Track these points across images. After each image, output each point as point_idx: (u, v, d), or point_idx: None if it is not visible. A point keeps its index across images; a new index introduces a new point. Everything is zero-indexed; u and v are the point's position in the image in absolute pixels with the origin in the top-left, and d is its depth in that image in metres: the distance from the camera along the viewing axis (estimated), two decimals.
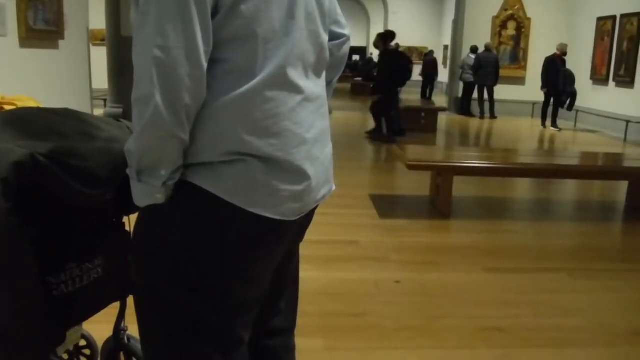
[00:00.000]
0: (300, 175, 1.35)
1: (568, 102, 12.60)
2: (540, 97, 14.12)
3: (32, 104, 1.95)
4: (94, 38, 10.17)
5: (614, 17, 13.02)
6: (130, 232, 1.83)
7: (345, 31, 1.62)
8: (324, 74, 1.50)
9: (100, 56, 8.30)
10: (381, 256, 4.07)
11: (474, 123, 13.93)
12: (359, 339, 2.87)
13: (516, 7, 15.68)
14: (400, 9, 26.30)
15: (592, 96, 12.90)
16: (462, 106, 15.31)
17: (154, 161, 1.24)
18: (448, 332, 2.98)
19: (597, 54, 13.77)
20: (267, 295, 1.51)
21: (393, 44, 10.41)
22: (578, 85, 12.64)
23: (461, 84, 15.46)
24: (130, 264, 1.81)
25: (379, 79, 9.85)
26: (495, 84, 14.56)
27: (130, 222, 1.83)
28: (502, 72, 14.80)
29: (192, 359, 1.41)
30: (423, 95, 18.99)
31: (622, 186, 6.20)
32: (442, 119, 12.88)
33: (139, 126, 1.21)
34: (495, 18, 15.68)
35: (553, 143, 11.02)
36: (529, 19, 15.70)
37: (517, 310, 3.29)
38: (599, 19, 13.72)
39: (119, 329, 1.99)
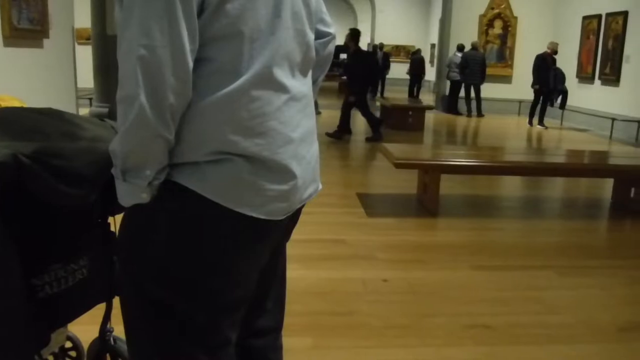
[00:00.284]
0: (286, 174, 1.34)
1: (560, 100, 12.68)
2: (527, 95, 14.22)
3: (16, 103, 1.94)
4: (79, 37, 10.09)
5: (599, 16, 13.12)
6: (115, 232, 1.82)
7: (331, 30, 1.61)
8: (310, 73, 1.50)
9: (85, 55, 8.24)
10: (368, 255, 4.08)
11: (461, 121, 13.97)
12: (347, 338, 2.86)
13: (503, 5, 15.75)
14: (388, 8, 26.32)
15: (578, 94, 12.98)
16: (449, 105, 15.36)
17: (139, 161, 1.23)
18: (435, 329, 2.99)
19: (582, 52, 13.88)
20: (254, 295, 1.50)
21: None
22: None
23: (448, 83, 15.50)
24: (115, 264, 1.81)
25: (354, 79, 9.72)
26: (482, 82, 14.62)
27: (115, 222, 1.82)
28: (489, 71, 14.87)
29: (179, 359, 1.40)
30: (410, 93, 19.01)
31: (608, 183, 6.25)
32: (430, 117, 12.92)
33: (123, 126, 1.20)
34: (482, 17, 15.75)
35: (540, 141, 11.08)
36: (515, 18, 15.78)
37: (504, 307, 3.30)
38: (585, 18, 13.82)
39: (104, 330, 1.97)
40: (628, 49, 12.01)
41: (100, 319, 1.96)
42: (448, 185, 5.76)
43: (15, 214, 1.43)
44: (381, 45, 20.95)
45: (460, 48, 15.03)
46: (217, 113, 1.24)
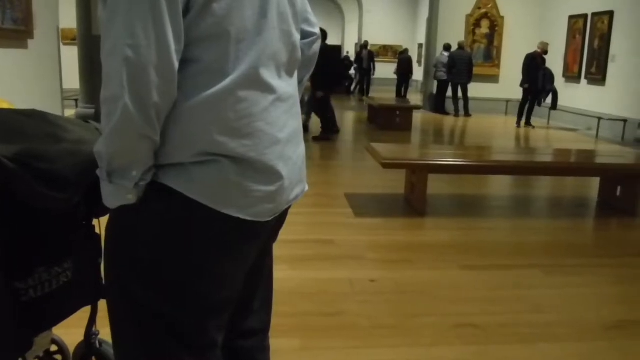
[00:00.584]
0: (273, 175, 1.34)
1: (550, 100, 12.74)
2: (514, 94, 14.29)
3: (4, 105, 1.91)
4: (65, 37, 10.05)
5: (585, 16, 13.19)
6: (100, 234, 1.80)
7: (316, 30, 1.61)
8: (295, 74, 1.50)
9: (71, 56, 8.21)
10: (356, 255, 4.07)
11: (448, 121, 14.01)
12: (335, 339, 2.86)
13: (490, 5, 15.81)
14: (375, 8, 26.37)
15: (564, 94, 13.05)
16: (437, 104, 15.40)
17: (125, 162, 1.22)
18: (423, 329, 2.99)
19: (569, 51, 13.95)
20: (240, 296, 1.49)
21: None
22: None
23: (436, 82, 15.54)
24: (100, 267, 1.80)
25: (322, 77, 9.54)
26: (469, 82, 14.67)
27: (100, 224, 1.80)
28: (476, 70, 14.92)
29: None
30: (398, 93, 19.06)
31: (594, 182, 6.28)
32: (417, 117, 12.94)
33: (108, 127, 1.18)
34: (469, 16, 15.80)
35: (527, 140, 11.13)
36: (502, 17, 15.84)
37: (492, 306, 3.31)
38: (571, 17, 13.90)
39: (90, 333, 1.96)
40: (614, 49, 12.08)
41: (85, 322, 1.95)
42: (436, 185, 5.77)
43: None
44: (366, 44, 20.91)
45: (447, 48, 15.07)
46: (203, 114, 1.23)
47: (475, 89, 14.96)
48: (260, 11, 1.29)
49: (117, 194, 1.25)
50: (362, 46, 20.68)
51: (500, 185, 6.76)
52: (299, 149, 1.47)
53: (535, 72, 12.60)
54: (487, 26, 15.89)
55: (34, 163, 1.43)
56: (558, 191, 6.66)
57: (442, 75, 15.02)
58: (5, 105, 1.90)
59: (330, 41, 10.23)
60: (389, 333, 2.94)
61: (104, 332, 1.91)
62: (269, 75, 1.32)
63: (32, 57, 4.91)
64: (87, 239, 1.78)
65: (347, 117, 14.26)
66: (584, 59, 13.26)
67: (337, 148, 9.12)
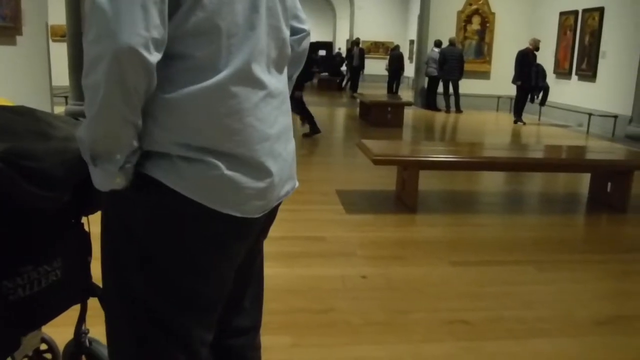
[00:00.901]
0: (262, 171, 1.34)
1: (541, 96, 12.77)
2: (505, 91, 14.34)
3: (1, 102, 1.89)
4: (54, 34, 10.00)
5: (576, 12, 13.23)
6: (89, 232, 1.80)
7: (305, 26, 1.61)
8: (285, 70, 1.50)
9: (61, 52, 8.15)
10: (347, 251, 4.07)
11: (439, 117, 14.03)
12: (326, 335, 2.86)
13: (481, 1, 15.83)
14: (366, 4, 26.36)
15: (555, 90, 13.09)
16: (428, 100, 15.42)
17: (108, 146, 1.22)
18: (414, 326, 2.99)
19: (560, 48, 13.99)
20: (231, 294, 1.49)
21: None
22: None
23: (427, 79, 15.56)
24: (89, 265, 1.79)
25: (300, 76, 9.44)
26: (460, 78, 14.69)
27: (89, 222, 1.79)
28: (467, 67, 14.94)
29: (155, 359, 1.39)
30: (389, 89, 19.07)
31: (585, 178, 6.30)
32: (409, 113, 12.95)
33: (90, 113, 1.18)
34: (460, 13, 15.81)
35: (518, 137, 11.15)
36: (493, 14, 15.86)
37: (482, 302, 3.31)
38: (562, 14, 13.93)
39: (80, 331, 1.95)
40: (604, 45, 12.13)
41: (75, 320, 1.94)
42: (427, 182, 5.78)
43: None
44: (357, 41, 20.87)
45: (438, 44, 15.10)
46: (194, 108, 1.23)
47: (466, 85, 14.99)
48: (250, 6, 1.29)
49: (104, 178, 1.25)
50: (353, 43, 20.60)
51: (491, 182, 6.77)
52: (289, 146, 1.47)
53: (528, 69, 12.61)
54: (478, 22, 15.92)
55: (21, 162, 1.41)
56: (549, 187, 6.68)
57: (433, 71, 15.04)
58: (2, 102, 1.88)
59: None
60: (380, 329, 2.94)
61: (94, 330, 1.91)
62: (260, 71, 1.32)
63: (20, 53, 4.88)
64: (77, 237, 1.77)
65: (339, 114, 14.27)
66: (574, 55, 13.31)
67: (328, 145, 9.12)
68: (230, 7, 1.24)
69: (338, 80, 21.86)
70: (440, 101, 15.15)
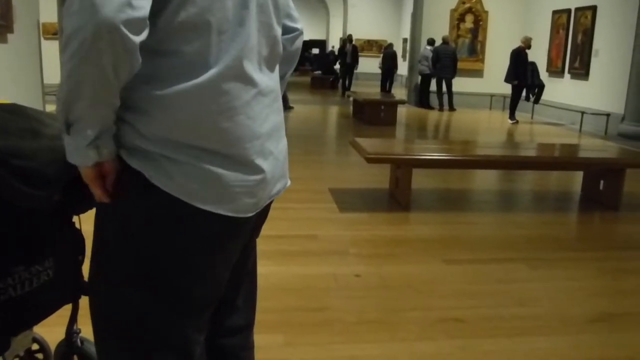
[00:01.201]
0: (253, 169, 1.33)
1: (535, 94, 12.79)
2: (498, 89, 14.36)
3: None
4: (46, 32, 9.95)
5: (568, 10, 13.27)
6: (80, 231, 1.78)
7: (298, 25, 1.60)
8: (277, 68, 1.49)
9: (52, 50, 8.12)
10: (341, 250, 4.06)
11: (433, 115, 14.04)
12: (320, 334, 2.85)
13: (474, 0, 15.84)
14: (359, 2, 26.37)
15: (548, 88, 13.12)
16: (421, 98, 15.43)
17: (79, 124, 1.17)
18: (408, 324, 2.99)
19: (552, 46, 14.04)
20: (224, 293, 1.48)
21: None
22: None
23: (419, 77, 15.58)
24: (81, 264, 1.78)
25: None
26: (453, 77, 14.72)
27: (80, 220, 1.78)
28: (460, 65, 14.97)
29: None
30: (383, 88, 19.07)
31: (578, 176, 6.32)
32: (402, 111, 12.96)
33: (63, 88, 1.14)
34: (453, 11, 15.84)
35: (511, 135, 11.17)
36: (486, 12, 15.90)
37: (476, 300, 3.31)
38: (555, 12, 13.97)
39: (71, 331, 1.93)
40: (597, 44, 12.17)
41: (67, 320, 1.93)
42: (420, 180, 5.78)
43: None
44: (350, 39, 20.78)
45: (431, 42, 15.12)
46: (185, 105, 1.22)
47: (460, 84, 15.01)
48: (241, 2, 1.28)
49: (76, 149, 1.21)
50: (346, 40, 20.49)
51: (484, 180, 6.78)
52: (281, 144, 1.46)
53: (524, 67, 12.61)
54: (471, 21, 15.95)
55: (11, 160, 1.40)
56: (542, 185, 6.70)
57: (424, 69, 15.06)
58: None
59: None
60: (373, 328, 2.93)
61: (86, 330, 1.89)
62: (251, 68, 1.31)
63: (12, 51, 4.85)
64: (68, 236, 1.76)
65: (332, 112, 14.26)
66: (567, 54, 13.35)
67: (322, 143, 9.11)
68: (220, 3, 1.23)
69: (331, 79, 21.85)
70: (434, 99, 15.17)
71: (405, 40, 23.77)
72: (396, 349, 2.75)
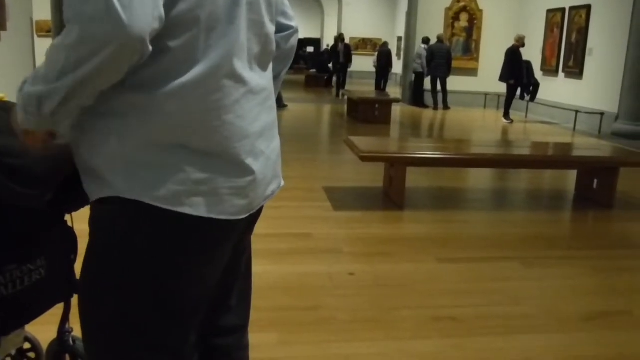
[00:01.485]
0: (243, 170, 1.30)
1: (531, 93, 12.80)
2: (492, 88, 14.38)
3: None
4: (39, 29, 9.90)
5: (563, 9, 13.29)
6: (73, 230, 1.77)
7: (293, 23, 1.57)
8: (270, 67, 1.46)
9: (46, 48, 8.08)
10: (335, 248, 4.06)
11: (427, 114, 14.05)
12: (314, 333, 2.85)
13: None
14: (355, 1, 26.35)
15: (542, 87, 13.14)
16: (414, 97, 15.44)
17: (44, 103, 1.14)
18: (402, 322, 2.99)
19: (547, 45, 14.06)
20: (217, 293, 1.47)
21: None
22: None
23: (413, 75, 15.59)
24: (73, 263, 1.77)
25: None
26: (448, 75, 14.72)
27: (72, 219, 1.77)
28: (455, 64, 14.98)
29: None
30: (377, 86, 19.05)
31: (572, 175, 6.33)
32: (396, 110, 12.96)
33: (51, 75, 1.14)
34: (447, 10, 15.85)
35: (505, 133, 11.19)
36: (481, 11, 15.91)
37: (470, 299, 3.32)
38: (549, 11, 14.00)
39: (63, 330, 1.93)
40: (591, 43, 12.19)
41: (59, 319, 1.92)
42: (414, 178, 5.78)
43: None
44: (342, 37, 20.67)
45: (426, 41, 15.11)
46: (172, 104, 1.19)
47: (454, 82, 15.02)
48: None
49: (22, 109, 1.18)
50: (337, 39, 20.34)
51: (478, 178, 6.79)
52: (273, 143, 1.44)
53: (519, 66, 12.60)
54: (466, 19, 15.96)
55: (3, 158, 1.39)
56: (536, 184, 6.71)
57: (417, 67, 15.06)
58: None
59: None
60: (367, 326, 2.93)
61: (78, 329, 1.88)
62: (241, 66, 1.28)
63: (5, 49, 4.83)
64: (61, 234, 1.75)
65: (326, 110, 14.25)
66: (561, 53, 13.38)
67: (316, 142, 9.11)
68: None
69: (326, 77, 21.83)
70: (428, 98, 15.18)
71: (399, 38, 23.76)
72: (390, 347, 2.75)
